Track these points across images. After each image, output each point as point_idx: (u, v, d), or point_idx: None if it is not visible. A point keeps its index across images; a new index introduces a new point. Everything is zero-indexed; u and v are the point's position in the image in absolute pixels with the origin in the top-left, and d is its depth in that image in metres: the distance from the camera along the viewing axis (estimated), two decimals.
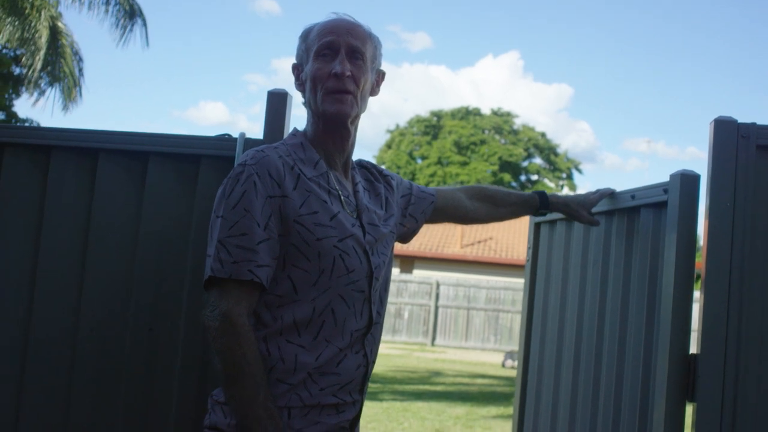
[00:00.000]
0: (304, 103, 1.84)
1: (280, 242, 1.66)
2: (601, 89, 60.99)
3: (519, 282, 19.27)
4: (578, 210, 2.42)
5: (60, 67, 12.85)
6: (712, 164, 2.03)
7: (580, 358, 2.59)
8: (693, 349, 2.02)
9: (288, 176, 1.69)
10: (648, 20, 58.02)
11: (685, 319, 2.03)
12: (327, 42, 1.76)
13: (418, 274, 22.15)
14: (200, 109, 68.19)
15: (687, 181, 2.09)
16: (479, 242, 24.40)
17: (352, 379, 1.74)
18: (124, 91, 64.87)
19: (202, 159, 2.23)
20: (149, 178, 2.23)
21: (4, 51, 16.77)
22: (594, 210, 2.45)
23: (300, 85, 1.85)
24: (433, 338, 19.55)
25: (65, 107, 13.29)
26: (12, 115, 17.95)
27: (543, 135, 38.93)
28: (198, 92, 66.44)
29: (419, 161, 37.63)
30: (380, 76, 1.91)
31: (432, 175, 35.75)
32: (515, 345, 17.93)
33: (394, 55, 58.59)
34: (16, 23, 12.22)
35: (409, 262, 23.36)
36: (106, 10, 12.86)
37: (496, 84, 59.10)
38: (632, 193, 2.33)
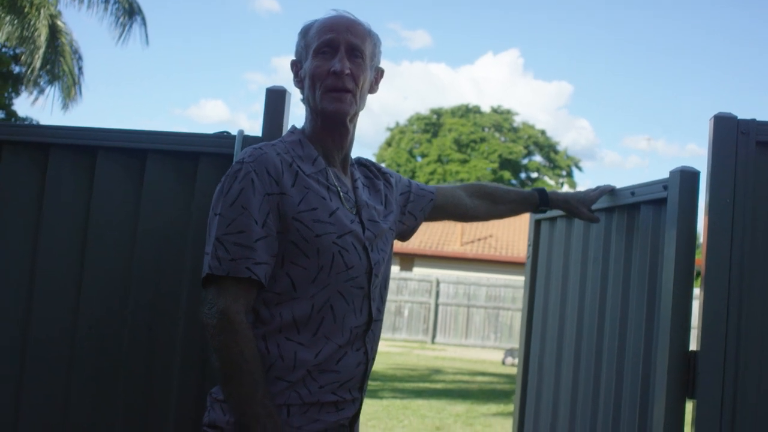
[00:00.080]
0: (303, 100, 1.83)
1: (278, 239, 1.66)
2: (601, 87, 61.01)
3: (519, 279, 19.27)
4: (578, 207, 2.42)
5: (59, 66, 12.85)
6: (711, 161, 2.03)
7: (581, 355, 2.59)
8: (693, 346, 2.02)
9: (286, 173, 1.68)
10: (648, 17, 58.01)
11: (685, 315, 2.03)
12: (326, 40, 1.76)
13: (418, 271, 22.14)
14: (201, 108, 68.24)
15: (687, 177, 2.09)
16: (479, 240, 24.40)
17: (352, 376, 1.74)
18: (124, 90, 64.89)
19: (201, 156, 2.22)
20: (148, 176, 2.23)
21: (3, 50, 16.76)
22: (594, 207, 2.44)
23: (299, 82, 1.85)
24: (434, 336, 19.56)
25: (65, 106, 13.30)
26: (12, 114, 17.95)
27: (543, 132, 38.92)
28: (198, 90, 66.45)
29: (419, 159, 37.63)
30: (379, 73, 1.91)
31: (432, 173, 35.75)
32: (515, 342, 17.94)
33: (394, 53, 58.59)
34: (16, 22, 12.21)
35: (409, 260, 23.36)
36: (106, 8, 12.86)
37: (496, 82, 59.13)
38: (632, 190, 2.33)
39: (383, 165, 2.07)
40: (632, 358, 2.25)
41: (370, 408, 8.33)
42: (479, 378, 12.77)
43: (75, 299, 2.20)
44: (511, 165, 36.91)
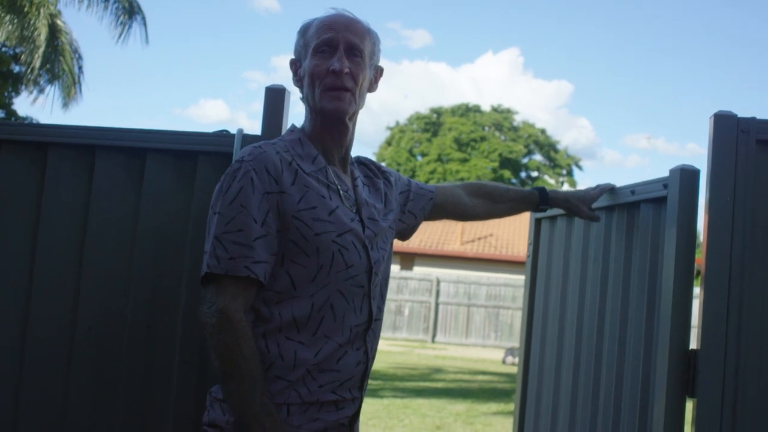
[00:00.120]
0: (302, 99, 1.83)
1: (278, 238, 1.66)
2: (601, 86, 61.00)
3: (519, 279, 19.27)
4: (578, 206, 2.41)
5: (59, 65, 12.85)
6: (711, 159, 2.02)
7: (581, 354, 2.59)
8: (693, 344, 2.01)
9: (286, 172, 1.68)
10: (648, 17, 57.98)
11: (685, 314, 2.03)
12: (325, 39, 1.75)
13: (419, 271, 22.14)
14: (200, 107, 68.25)
15: (686, 175, 2.08)
16: (480, 239, 24.39)
17: (352, 376, 1.74)
18: (124, 89, 64.89)
19: (200, 155, 2.22)
20: (147, 175, 2.22)
21: (3, 49, 16.75)
22: (594, 205, 2.44)
23: (298, 80, 1.84)
24: (434, 335, 19.56)
25: (65, 105, 13.30)
26: (11, 113, 17.94)
27: (543, 131, 38.93)
28: (198, 90, 66.48)
29: (419, 158, 37.63)
30: (378, 72, 1.90)
31: (432, 172, 35.75)
32: (516, 342, 17.93)
33: (394, 52, 58.59)
34: (15, 21, 12.21)
35: (409, 259, 23.35)
36: (106, 8, 12.86)
37: (496, 81, 59.13)
38: (632, 189, 2.33)
39: (383, 164, 2.06)
40: (632, 357, 2.25)
41: (370, 407, 8.33)
42: (480, 377, 12.77)
43: (74, 298, 2.19)
44: (511, 164, 36.91)
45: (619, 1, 57.71)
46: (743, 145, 2.02)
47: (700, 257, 2.06)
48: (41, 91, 13.44)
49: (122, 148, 2.24)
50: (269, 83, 2.20)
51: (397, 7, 61.24)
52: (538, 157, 38.67)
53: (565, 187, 33.18)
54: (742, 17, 55.47)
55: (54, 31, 12.56)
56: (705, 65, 58.36)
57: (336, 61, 1.73)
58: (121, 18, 12.99)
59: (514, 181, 36.39)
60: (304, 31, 1.82)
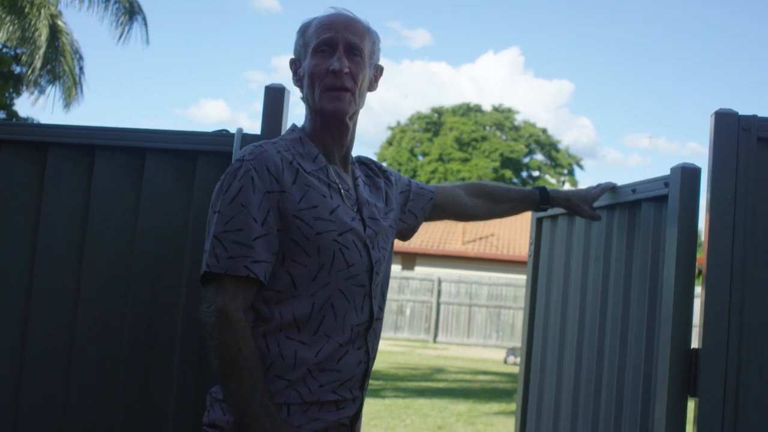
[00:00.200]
0: (302, 98, 1.83)
1: (279, 237, 1.65)
2: (602, 85, 60.98)
3: (521, 278, 19.26)
4: (580, 205, 2.40)
5: (60, 66, 12.86)
6: (712, 157, 2.02)
7: (582, 354, 2.58)
8: (695, 343, 2.01)
9: (287, 171, 1.68)
10: (648, 16, 57.95)
11: (687, 313, 2.02)
12: (325, 38, 1.75)
13: (420, 270, 22.14)
14: (201, 108, 68.28)
15: (687, 174, 2.08)
16: (481, 239, 24.38)
17: (352, 375, 1.73)
18: (125, 89, 64.96)
19: (200, 155, 2.22)
20: (146, 175, 2.22)
21: (4, 50, 16.77)
22: (595, 204, 2.43)
23: (298, 80, 1.84)
24: (435, 335, 19.55)
25: (66, 106, 13.29)
26: (13, 114, 17.95)
27: (544, 131, 38.92)
28: (199, 90, 66.51)
29: (420, 158, 37.63)
30: (378, 71, 1.90)
31: (433, 172, 35.74)
32: (517, 341, 17.93)
33: (395, 52, 58.60)
34: (16, 22, 12.21)
35: (410, 259, 23.35)
36: (106, 8, 12.85)
37: (497, 80, 59.13)
38: (633, 187, 2.32)
39: (384, 164, 2.06)
40: (634, 356, 2.24)
41: (372, 407, 8.33)
42: (481, 377, 12.77)
43: (74, 298, 2.19)
44: (512, 164, 36.90)
45: (619, 1, 57.70)
46: (744, 143, 2.01)
47: (701, 256, 2.06)
48: (42, 91, 13.43)
49: (122, 148, 2.24)
50: (270, 83, 2.20)
51: (397, 7, 61.30)
52: (539, 157, 38.66)
53: (567, 187, 33.17)
54: (742, 17, 55.45)
55: (55, 32, 12.56)
56: (705, 65, 58.36)
57: (336, 61, 1.73)
58: (122, 18, 12.99)
59: (515, 180, 36.38)
60: (303, 31, 1.82)
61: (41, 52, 12.24)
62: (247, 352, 1.57)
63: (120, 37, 12.98)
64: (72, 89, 13.23)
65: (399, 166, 36.11)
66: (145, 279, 2.18)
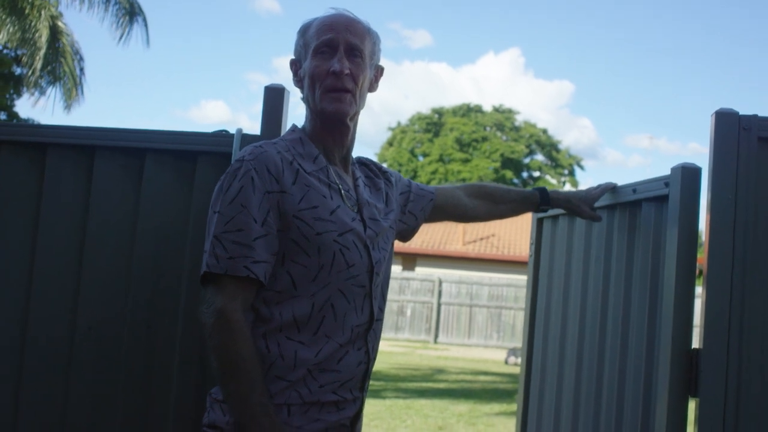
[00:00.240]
0: (303, 99, 1.83)
1: (279, 238, 1.65)
2: (603, 85, 60.98)
3: (521, 279, 19.25)
4: (580, 205, 2.40)
5: (60, 67, 12.85)
6: (713, 157, 2.01)
7: (583, 354, 2.58)
8: (695, 344, 2.00)
9: (287, 171, 1.68)
10: (648, 16, 57.96)
11: (688, 313, 2.02)
12: (325, 39, 1.75)
13: (421, 271, 22.14)
14: (201, 109, 68.28)
15: (688, 174, 2.07)
16: (481, 239, 24.38)
17: (353, 376, 1.73)
18: (125, 90, 64.96)
19: (199, 155, 2.21)
20: (146, 175, 2.22)
21: (4, 51, 16.78)
22: (596, 204, 2.43)
23: (298, 81, 1.84)
24: (436, 336, 19.55)
25: (66, 107, 13.29)
26: (13, 115, 17.97)
27: (545, 131, 38.91)
28: (199, 91, 66.52)
29: (421, 158, 37.62)
30: (379, 71, 1.90)
31: (434, 173, 35.74)
32: (518, 342, 17.92)
33: (395, 53, 58.60)
34: (16, 23, 12.21)
35: (411, 260, 23.35)
36: (106, 9, 12.84)
37: (498, 81, 59.15)
38: (634, 187, 2.32)
39: (384, 165, 2.06)
40: (635, 357, 2.24)
41: (373, 408, 8.33)
42: (482, 377, 12.76)
43: (74, 298, 2.19)
44: (513, 164, 36.89)
45: (619, 1, 57.70)
46: (745, 143, 2.01)
47: (702, 256, 2.05)
48: (42, 92, 13.43)
49: (122, 149, 2.24)
50: (270, 84, 2.20)
51: (397, 7, 61.31)
52: (539, 157, 38.65)
53: (567, 187, 33.20)
54: (742, 17, 55.45)
55: (55, 33, 12.57)
56: (705, 65, 58.36)
57: (336, 62, 1.73)
58: (122, 19, 12.98)
59: (516, 181, 36.38)
60: (303, 32, 1.82)
61: (42, 53, 12.24)
62: (246, 353, 1.57)
63: (120, 38, 13.00)
64: (72, 90, 13.23)
65: (399, 166, 36.11)
66: (145, 279, 2.18)
